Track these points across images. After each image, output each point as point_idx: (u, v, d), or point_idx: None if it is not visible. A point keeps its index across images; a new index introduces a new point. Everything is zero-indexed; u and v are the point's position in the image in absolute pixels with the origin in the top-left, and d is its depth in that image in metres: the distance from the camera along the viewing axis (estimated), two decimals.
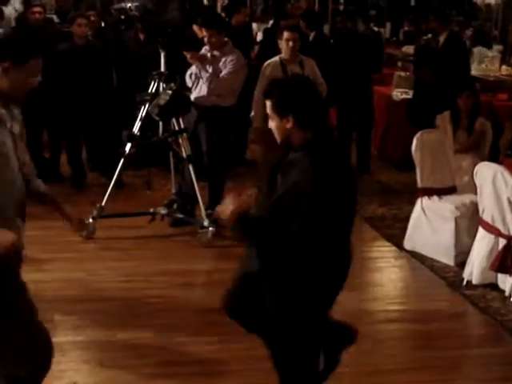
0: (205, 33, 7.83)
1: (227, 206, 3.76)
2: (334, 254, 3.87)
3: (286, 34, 8.08)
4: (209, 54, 7.84)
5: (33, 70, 3.73)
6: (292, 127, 3.80)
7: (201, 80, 7.74)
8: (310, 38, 10.18)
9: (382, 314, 6.08)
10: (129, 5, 9.57)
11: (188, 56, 7.74)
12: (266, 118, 7.86)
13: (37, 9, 9.51)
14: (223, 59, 7.74)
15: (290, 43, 8.02)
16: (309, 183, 3.62)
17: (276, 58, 8.09)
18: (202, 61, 7.72)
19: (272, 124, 3.92)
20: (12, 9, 10.99)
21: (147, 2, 8.46)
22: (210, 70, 7.67)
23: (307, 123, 3.81)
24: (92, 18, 9.55)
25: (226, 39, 7.88)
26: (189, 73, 7.87)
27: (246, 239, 4.01)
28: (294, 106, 3.80)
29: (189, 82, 7.88)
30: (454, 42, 9.89)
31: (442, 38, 9.85)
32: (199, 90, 7.77)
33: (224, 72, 7.68)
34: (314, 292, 3.94)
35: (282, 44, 8.10)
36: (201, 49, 7.88)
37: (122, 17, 8.74)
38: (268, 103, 3.91)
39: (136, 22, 9.53)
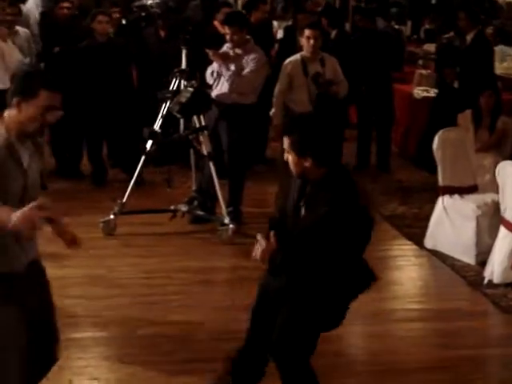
0: (227, 30, 7.82)
1: (260, 249, 4.03)
2: (351, 274, 4.16)
3: (307, 32, 8.05)
4: (231, 52, 7.85)
5: (46, 103, 3.61)
6: (310, 165, 3.93)
7: (222, 77, 7.75)
8: (332, 35, 10.16)
9: (402, 313, 6.06)
10: (149, 2, 9.61)
11: (210, 53, 7.75)
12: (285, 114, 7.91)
13: (66, 4, 9.51)
14: (245, 57, 7.74)
15: (311, 41, 8.00)
16: (339, 215, 3.85)
17: (297, 56, 8.07)
18: (225, 59, 7.73)
19: (289, 158, 4.01)
20: (33, 3, 10.99)
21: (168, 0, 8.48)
22: (232, 68, 7.67)
23: (325, 162, 3.96)
24: (115, 15, 9.55)
25: (248, 37, 7.88)
26: (210, 70, 7.88)
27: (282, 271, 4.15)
28: (314, 148, 3.92)
29: (210, 80, 7.89)
30: (480, 41, 9.82)
31: (469, 37, 9.78)
32: (220, 88, 7.77)
33: (246, 70, 7.68)
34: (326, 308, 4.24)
35: (303, 41, 8.08)
36: (222, 45, 7.88)
37: (143, 14, 8.77)
38: (286, 140, 3.99)
39: (157, 19, 9.57)
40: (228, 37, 7.82)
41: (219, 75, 7.78)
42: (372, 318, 5.92)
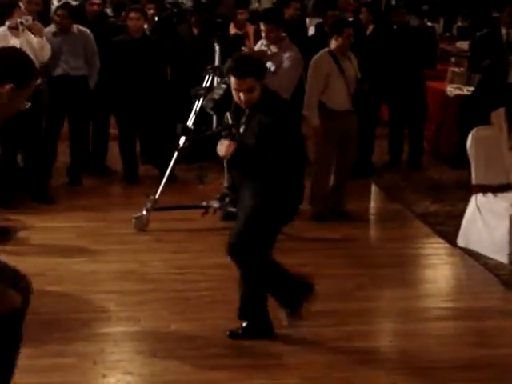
0: (263, 27, 7.83)
1: (223, 146, 5.21)
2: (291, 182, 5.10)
3: (346, 30, 7.93)
4: (265, 50, 7.86)
5: (28, 94, 3.61)
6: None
7: None
8: (368, 31, 10.07)
9: (435, 311, 6.03)
10: None
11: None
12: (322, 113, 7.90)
13: (96, 0, 9.58)
14: (281, 55, 7.74)
15: (348, 39, 7.90)
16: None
17: (326, 54, 7.97)
18: (263, 57, 7.74)
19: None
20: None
21: None
22: (269, 66, 7.68)
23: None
24: (151, 12, 9.58)
25: (283, 34, 7.88)
26: None
27: (238, 166, 5.25)
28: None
29: None
30: None
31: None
32: None
33: (281, 69, 7.68)
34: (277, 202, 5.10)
35: (339, 39, 7.95)
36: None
37: (175, 10, 8.80)
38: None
39: (189, 16, 9.60)
40: (264, 34, 7.81)
41: None
42: (404, 315, 5.90)
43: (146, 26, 9.23)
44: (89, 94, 8.68)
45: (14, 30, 7.90)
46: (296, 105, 8.73)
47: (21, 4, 8.28)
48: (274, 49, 7.80)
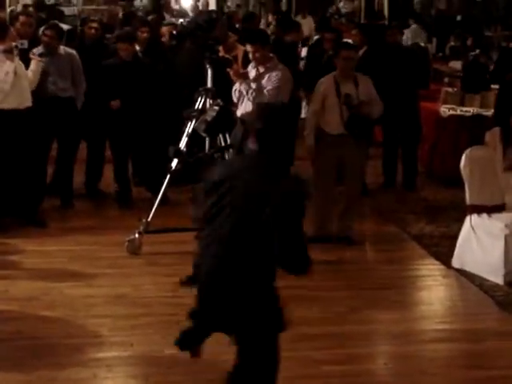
0: (249, 48, 7.87)
1: None
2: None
3: (343, 53, 7.93)
4: (254, 71, 7.88)
5: None
6: None
7: (245, 96, 7.79)
8: (360, 52, 10.08)
9: (430, 334, 5.99)
10: (181, 20, 9.60)
11: (231, 73, 7.82)
12: (317, 134, 7.88)
13: (94, 24, 9.58)
14: (268, 75, 7.78)
15: (347, 61, 7.88)
16: None
17: (330, 76, 7.97)
18: (245, 78, 7.77)
19: None
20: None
21: (198, 18, 8.49)
22: (254, 87, 7.71)
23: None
24: (144, 35, 9.57)
25: (271, 55, 7.91)
26: (234, 89, 7.92)
27: None
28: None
29: (235, 98, 7.93)
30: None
31: None
32: (245, 107, 7.82)
33: (268, 87, 7.71)
34: None
35: (339, 62, 7.96)
36: (229, 67, 7.93)
37: (174, 32, 8.78)
38: None
39: (187, 38, 9.58)
40: (250, 55, 7.85)
41: (242, 94, 7.83)
42: (399, 338, 5.86)
43: (138, 48, 9.22)
44: (76, 116, 8.67)
45: (8, 53, 7.87)
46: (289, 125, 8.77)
47: (12, 28, 8.28)
48: (261, 69, 7.84)
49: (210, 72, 7.72)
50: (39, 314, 6.02)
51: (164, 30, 10.03)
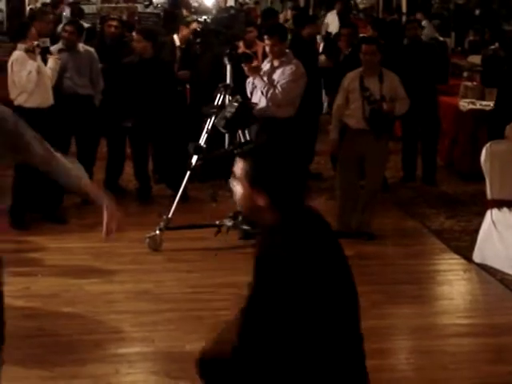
0: (267, 41, 7.92)
1: None
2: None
3: (363, 47, 7.97)
4: (268, 65, 7.92)
5: None
6: (264, 205, 3.08)
7: (259, 91, 7.84)
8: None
9: (452, 328, 5.97)
10: (204, 17, 9.61)
11: (245, 68, 7.85)
12: (342, 130, 7.92)
13: (114, 22, 9.60)
14: (282, 69, 7.83)
15: (367, 56, 7.90)
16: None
17: (357, 70, 7.99)
18: (258, 72, 7.82)
19: (237, 190, 3.19)
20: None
21: (219, 15, 8.55)
22: (266, 80, 7.77)
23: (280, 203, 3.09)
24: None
25: (287, 50, 7.95)
26: (248, 81, 7.99)
27: None
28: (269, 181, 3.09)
29: (248, 90, 8.01)
30: None
31: None
32: (258, 101, 7.86)
33: (282, 82, 7.75)
34: None
35: (361, 56, 7.99)
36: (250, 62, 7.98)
37: (198, 29, 8.82)
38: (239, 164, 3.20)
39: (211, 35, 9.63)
40: (268, 48, 7.89)
41: (255, 87, 7.88)
42: (420, 332, 5.85)
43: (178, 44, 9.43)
44: (94, 113, 8.70)
45: (30, 53, 7.91)
46: (309, 120, 8.81)
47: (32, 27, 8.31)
48: (276, 63, 7.89)
49: (229, 68, 7.74)
50: (61, 310, 6.05)
51: (188, 27, 10.00)
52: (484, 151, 7.15)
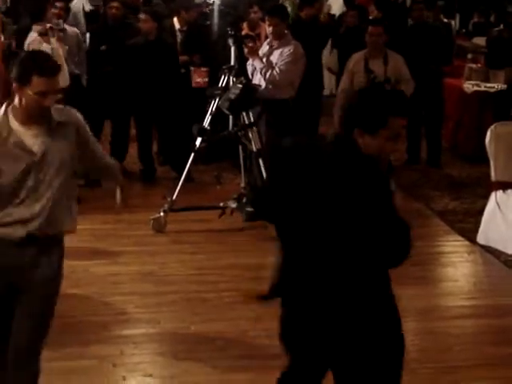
0: (268, 22, 7.89)
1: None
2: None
3: (369, 29, 7.98)
4: (267, 46, 7.90)
5: (40, 89, 3.70)
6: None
7: (258, 73, 7.83)
8: None
9: (456, 310, 5.99)
10: None
11: (245, 50, 7.85)
12: None
13: (115, 4, 9.57)
14: (280, 50, 7.81)
15: (373, 37, 7.90)
16: None
17: (362, 52, 7.99)
18: (257, 54, 7.82)
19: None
20: (80, 4, 11.11)
21: None
22: (265, 61, 7.76)
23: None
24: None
25: (286, 31, 7.94)
26: (248, 63, 8.00)
27: None
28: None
29: (249, 72, 8.02)
30: None
31: None
32: (258, 83, 7.84)
33: (280, 63, 7.73)
34: None
35: (367, 38, 8.01)
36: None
37: (207, 10, 8.81)
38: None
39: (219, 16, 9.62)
40: (269, 29, 7.87)
41: (256, 69, 7.88)
42: (424, 314, 5.86)
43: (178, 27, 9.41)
44: (83, 93, 8.68)
45: (43, 35, 7.89)
46: (313, 102, 8.79)
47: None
48: (275, 44, 7.87)
49: (233, 49, 7.72)
50: (66, 292, 5.98)
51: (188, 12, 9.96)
52: (489, 133, 7.14)
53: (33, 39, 7.98)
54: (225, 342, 5.27)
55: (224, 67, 7.74)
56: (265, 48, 8.11)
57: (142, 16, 8.95)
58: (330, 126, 8.32)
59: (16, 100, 3.78)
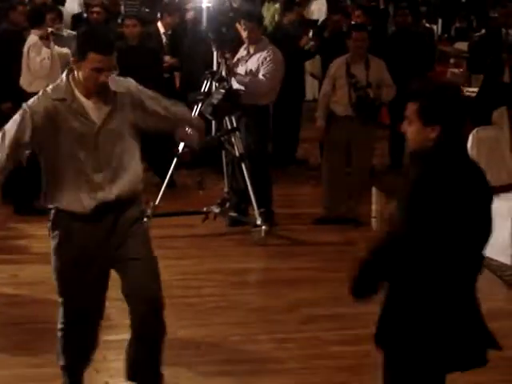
0: (244, 26, 7.80)
1: None
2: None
3: (353, 34, 7.98)
4: (245, 52, 7.84)
5: (95, 66, 3.93)
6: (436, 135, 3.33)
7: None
8: None
9: None
10: (208, 4, 9.57)
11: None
12: (329, 117, 7.90)
13: (96, 8, 9.58)
14: (258, 55, 7.73)
15: (357, 43, 7.90)
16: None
17: (343, 57, 8.00)
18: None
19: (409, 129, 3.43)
20: (73, 3, 11.16)
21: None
22: (241, 71, 7.71)
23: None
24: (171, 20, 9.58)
25: (262, 36, 7.90)
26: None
27: None
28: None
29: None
30: None
31: None
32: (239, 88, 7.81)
33: (264, 71, 7.64)
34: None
35: (349, 43, 8.01)
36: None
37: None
38: (412, 106, 3.40)
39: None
40: (245, 34, 7.77)
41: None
42: None
43: (163, 31, 9.37)
44: None
45: (44, 40, 7.88)
46: (294, 108, 8.78)
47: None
48: (252, 50, 7.80)
49: (215, 55, 7.71)
50: (48, 297, 6.01)
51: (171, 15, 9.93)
52: (471, 137, 7.17)
53: (34, 42, 7.95)
54: (209, 346, 5.26)
55: (207, 72, 7.73)
56: (241, 53, 8.00)
57: (127, 21, 8.93)
58: (312, 131, 8.35)
59: (75, 72, 4.02)
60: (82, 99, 4.02)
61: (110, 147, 4.08)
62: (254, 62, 7.74)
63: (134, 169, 4.23)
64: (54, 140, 4.02)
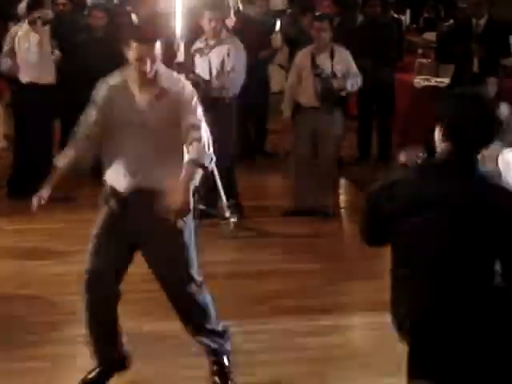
0: (209, 18, 7.66)
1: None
2: None
3: (315, 24, 7.97)
4: (203, 44, 7.74)
5: (136, 55, 4.18)
6: None
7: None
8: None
9: None
10: None
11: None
12: (295, 108, 7.88)
13: (61, 0, 9.51)
14: (219, 47, 7.63)
15: (320, 33, 7.88)
16: None
17: (308, 48, 7.97)
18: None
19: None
20: None
21: None
22: (203, 60, 7.64)
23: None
24: None
25: (223, 29, 7.82)
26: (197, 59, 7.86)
27: None
28: None
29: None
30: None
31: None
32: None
33: (232, 65, 7.57)
34: None
35: (313, 33, 8.00)
36: None
37: None
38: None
39: None
40: (210, 23, 7.63)
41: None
42: (377, 308, 5.82)
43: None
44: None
45: (32, 25, 7.81)
46: (261, 99, 8.75)
47: None
48: (211, 42, 7.68)
49: (182, 46, 7.62)
50: (15, 292, 6.00)
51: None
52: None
53: (22, 29, 7.91)
54: (178, 340, 5.22)
55: (175, 62, 7.65)
56: (200, 45, 7.81)
57: (93, 12, 8.88)
58: (280, 123, 8.33)
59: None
60: (134, 89, 4.28)
61: (152, 137, 4.26)
62: (215, 54, 7.64)
63: (170, 163, 4.32)
64: (110, 121, 4.37)
